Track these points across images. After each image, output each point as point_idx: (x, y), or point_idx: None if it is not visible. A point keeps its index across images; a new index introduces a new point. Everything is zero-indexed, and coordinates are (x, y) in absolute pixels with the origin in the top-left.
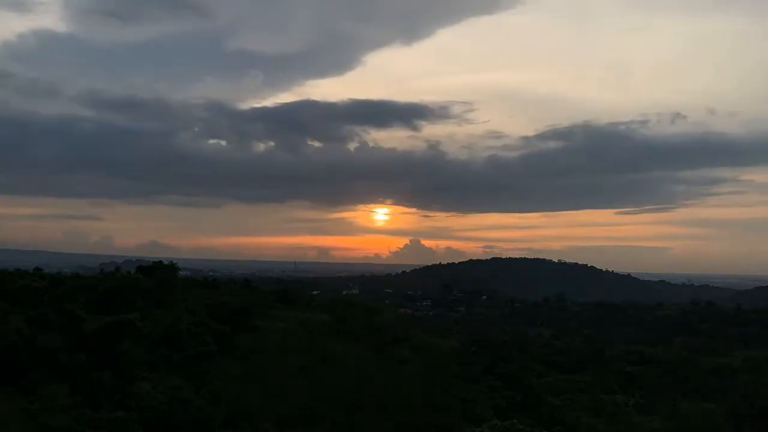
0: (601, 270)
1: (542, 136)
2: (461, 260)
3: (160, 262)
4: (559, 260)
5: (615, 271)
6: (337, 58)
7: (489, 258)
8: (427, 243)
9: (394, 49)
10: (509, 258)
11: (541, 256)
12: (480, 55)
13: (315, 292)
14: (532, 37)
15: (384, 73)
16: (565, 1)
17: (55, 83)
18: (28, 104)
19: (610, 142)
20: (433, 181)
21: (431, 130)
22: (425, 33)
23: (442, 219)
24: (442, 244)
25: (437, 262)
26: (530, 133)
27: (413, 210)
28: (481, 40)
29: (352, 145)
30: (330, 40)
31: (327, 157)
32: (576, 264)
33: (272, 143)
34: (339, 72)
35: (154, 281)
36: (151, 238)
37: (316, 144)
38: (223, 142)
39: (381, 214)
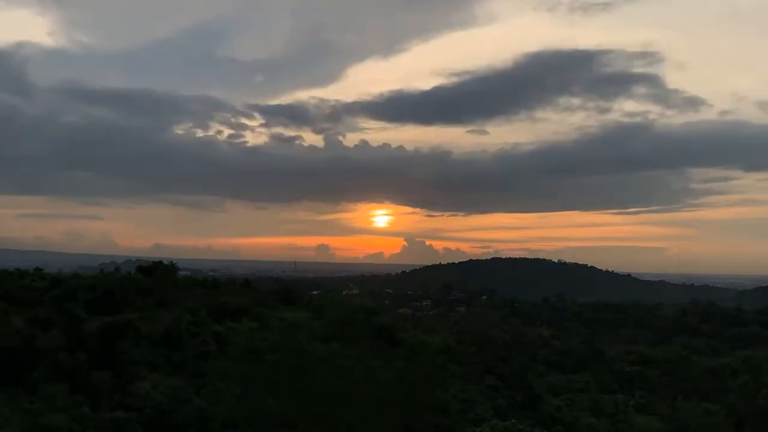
0: (601, 270)
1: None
2: (461, 260)
3: (160, 262)
4: (559, 260)
5: (615, 271)
6: (322, 70)
7: (489, 258)
8: (427, 243)
9: (374, 62)
10: (509, 258)
11: (540, 256)
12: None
13: (315, 292)
14: (507, 50)
15: (364, 85)
16: (538, 17)
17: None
18: (20, 101)
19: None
20: (435, 181)
21: (432, 130)
22: (401, 48)
23: (442, 219)
24: (442, 244)
25: (437, 262)
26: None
27: (414, 210)
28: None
29: (352, 144)
30: (314, 52)
31: (326, 156)
32: (576, 264)
33: (272, 142)
34: (323, 84)
35: (154, 281)
36: (151, 237)
37: (316, 143)
38: (222, 139)
39: (381, 214)
